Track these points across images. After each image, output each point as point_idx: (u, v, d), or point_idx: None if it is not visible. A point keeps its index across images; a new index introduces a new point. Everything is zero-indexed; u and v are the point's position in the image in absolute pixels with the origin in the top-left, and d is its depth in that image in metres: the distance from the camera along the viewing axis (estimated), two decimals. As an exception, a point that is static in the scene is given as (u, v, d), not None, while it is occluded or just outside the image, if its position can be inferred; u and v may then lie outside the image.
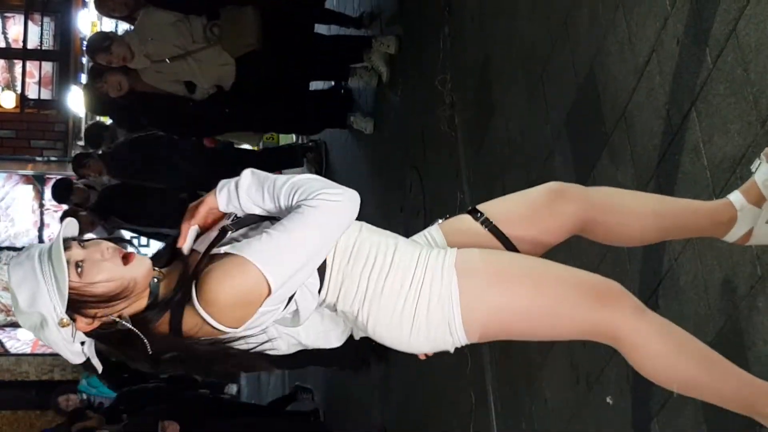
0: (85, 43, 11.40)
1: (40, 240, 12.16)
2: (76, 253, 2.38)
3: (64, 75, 12.80)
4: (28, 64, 12.95)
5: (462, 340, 2.57)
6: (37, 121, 12.63)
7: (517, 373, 4.87)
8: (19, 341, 11.93)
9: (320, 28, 7.94)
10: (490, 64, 5.42)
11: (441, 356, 5.50)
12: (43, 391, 10.78)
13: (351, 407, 7.72)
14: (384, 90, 7.42)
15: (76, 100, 12.54)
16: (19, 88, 12.78)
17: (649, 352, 2.52)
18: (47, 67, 13.16)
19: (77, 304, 2.37)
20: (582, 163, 4.22)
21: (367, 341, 7.09)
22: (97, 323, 2.42)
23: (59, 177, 8.75)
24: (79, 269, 2.36)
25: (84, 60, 12.38)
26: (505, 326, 2.56)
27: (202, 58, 7.08)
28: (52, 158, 12.44)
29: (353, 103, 7.95)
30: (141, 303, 2.43)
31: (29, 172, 12.39)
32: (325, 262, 2.54)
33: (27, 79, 12.88)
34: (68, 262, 2.33)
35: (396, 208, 6.87)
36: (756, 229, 2.84)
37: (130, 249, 2.46)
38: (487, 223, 2.69)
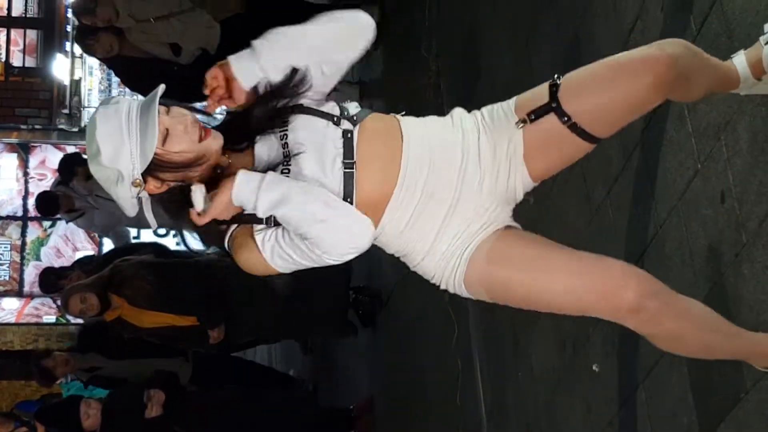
0: (69, 9, 11.34)
1: (25, 209, 12.11)
2: (163, 120, 2.47)
3: (49, 43, 12.72)
4: (13, 31, 12.87)
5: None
6: (21, 89, 12.55)
7: (503, 340, 4.88)
8: (4, 311, 11.91)
9: None
10: (476, 31, 5.40)
11: (428, 324, 5.55)
12: (27, 361, 10.77)
13: (338, 376, 7.73)
14: (369, 58, 7.38)
15: (61, 68, 12.46)
16: (3, 56, 12.70)
17: (658, 335, 2.58)
18: (32, 34, 13.07)
19: (154, 168, 2.47)
20: (567, 130, 4.20)
21: (354, 308, 7.03)
22: (164, 188, 2.53)
23: (42, 192, 8.74)
24: (165, 137, 2.46)
25: (69, 28, 12.31)
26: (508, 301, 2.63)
27: (187, 20, 7.04)
28: (37, 126, 12.37)
29: None
30: (203, 179, 2.52)
31: (14, 140, 12.33)
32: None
33: (11, 47, 12.80)
34: (157, 123, 2.43)
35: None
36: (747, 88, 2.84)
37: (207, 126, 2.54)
38: (575, 128, 2.55)
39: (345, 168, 2.50)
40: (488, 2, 5.21)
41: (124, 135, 2.44)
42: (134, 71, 7.37)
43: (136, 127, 2.44)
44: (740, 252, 2.99)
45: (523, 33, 4.72)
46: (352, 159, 2.52)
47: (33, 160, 12.23)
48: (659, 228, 3.47)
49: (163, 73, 7.29)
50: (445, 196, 2.56)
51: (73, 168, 8.09)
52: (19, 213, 12.15)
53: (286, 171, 2.50)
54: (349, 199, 2.49)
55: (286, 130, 2.55)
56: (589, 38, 4.01)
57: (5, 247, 12.02)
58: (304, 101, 2.58)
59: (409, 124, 2.63)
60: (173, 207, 2.54)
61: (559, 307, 2.58)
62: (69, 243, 12.11)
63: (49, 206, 8.40)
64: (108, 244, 9.85)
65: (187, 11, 7.04)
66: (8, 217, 12.13)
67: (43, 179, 12.03)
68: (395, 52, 6.88)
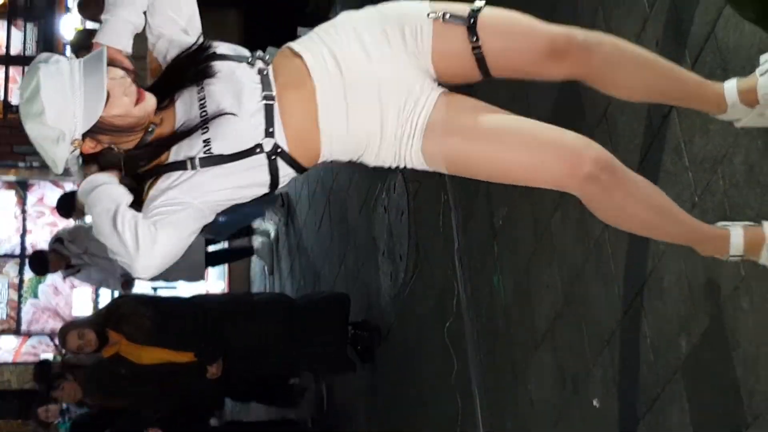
0: (68, 46, 11.37)
1: (23, 247, 12.10)
2: (107, 83, 2.50)
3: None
4: (11, 69, 12.90)
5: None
6: (19, 126, 12.57)
7: (503, 375, 4.85)
8: (1, 349, 11.88)
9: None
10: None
11: (427, 359, 5.51)
12: (25, 400, 10.72)
13: (337, 412, 7.69)
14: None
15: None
16: (2, 94, 12.73)
17: (605, 207, 2.65)
18: (30, 72, 13.12)
19: (95, 131, 2.54)
20: (564, 163, 4.20)
21: (352, 344, 7.01)
22: (99, 148, 2.60)
23: (35, 251, 8.79)
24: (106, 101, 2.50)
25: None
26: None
27: None
28: (35, 164, 12.37)
29: None
30: (135, 141, 2.61)
31: (11, 177, 12.32)
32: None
33: (10, 85, 12.83)
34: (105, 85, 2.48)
35: (380, 209, 6.84)
36: (746, 120, 2.85)
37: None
38: (478, 54, 2.66)
39: (265, 101, 2.60)
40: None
41: (68, 95, 2.47)
42: None
43: (80, 87, 2.48)
44: (739, 285, 2.98)
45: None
46: (272, 91, 2.61)
47: (31, 198, 12.23)
48: (657, 261, 3.46)
49: None
50: (365, 80, 2.63)
51: (72, 204, 8.12)
52: (17, 251, 12.13)
53: (204, 114, 2.58)
54: (270, 129, 2.58)
55: (203, 83, 2.64)
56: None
57: (2, 285, 12.00)
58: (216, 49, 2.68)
59: (300, 46, 2.71)
60: (101, 166, 2.63)
61: (517, 177, 2.66)
62: (67, 280, 12.10)
63: (42, 265, 8.43)
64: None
65: None
66: (6, 256, 12.12)
67: (41, 217, 12.03)
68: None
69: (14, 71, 12.93)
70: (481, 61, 2.66)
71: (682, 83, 2.80)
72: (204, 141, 2.57)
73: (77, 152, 2.58)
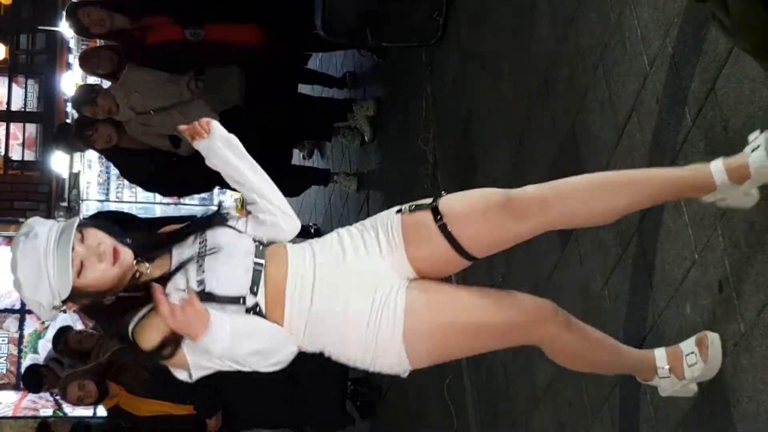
0: (69, 102, 11.42)
1: (23, 302, 12.08)
2: (78, 252, 2.72)
3: (48, 137, 12.81)
4: (12, 125, 12.97)
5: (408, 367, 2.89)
6: (20, 182, 12.61)
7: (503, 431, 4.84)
8: (1, 404, 11.81)
9: (304, 89, 7.98)
10: (472, 123, 5.45)
11: (427, 416, 5.52)
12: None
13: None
14: (367, 149, 7.45)
15: (59, 162, 12.53)
16: (2, 150, 12.78)
17: (568, 353, 3.06)
18: (31, 128, 13.16)
19: (73, 297, 2.75)
20: (565, 220, 4.22)
21: (352, 399, 7.00)
22: (85, 303, 2.82)
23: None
24: (79, 270, 2.72)
25: (68, 122, 12.40)
26: (447, 355, 2.97)
27: (186, 111, 7.10)
28: (36, 220, 12.44)
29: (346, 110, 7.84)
30: (122, 285, 2.82)
31: (12, 233, 12.35)
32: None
33: (11, 141, 12.89)
34: (71, 264, 2.69)
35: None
36: (731, 200, 2.93)
37: (119, 245, 2.79)
38: (444, 231, 2.86)
39: (255, 265, 2.84)
40: (484, 95, 5.27)
41: (42, 272, 2.70)
42: (133, 163, 7.42)
43: (53, 264, 2.70)
44: (739, 342, 2.99)
45: (518, 125, 4.77)
46: (262, 259, 2.87)
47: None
48: (658, 317, 3.47)
49: (161, 165, 7.36)
50: (334, 276, 2.85)
51: (63, 336, 8.06)
52: (17, 306, 12.11)
53: (201, 262, 2.82)
54: (255, 288, 2.80)
55: (205, 234, 2.91)
56: (585, 130, 4.05)
57: (3, 340, 11.96)
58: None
59: (290, 246, 2.98)
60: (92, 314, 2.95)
61: (491, 339, 2.95)
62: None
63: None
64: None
65: (186, 103, 7.12)
66: (6, 310, 12.09)
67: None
68: (392, 143, 6.93)
69: (15, 127, 13.01)
70: (451, 239, 2.86)
71: (658, 185, 2.94)
72: (198, 281, 2.79)
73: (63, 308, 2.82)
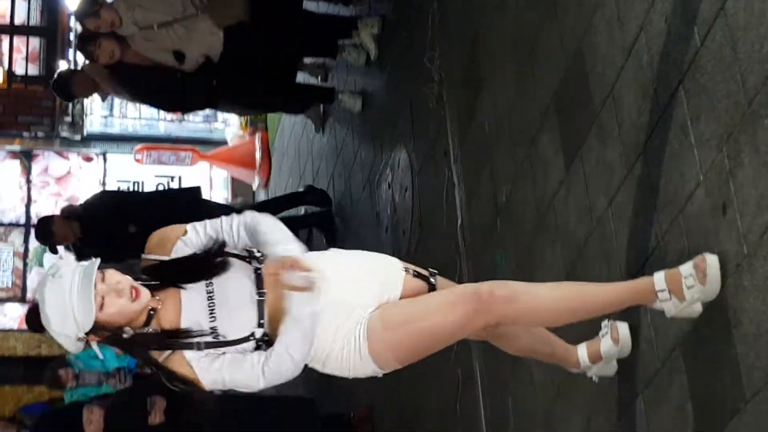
0: (72, 17, 11.34)
1: (28, 217, 12.11)
2: (100, 289, 3.05)
3: (52, 51, 12.72)
4: (15, 39, 12.88)
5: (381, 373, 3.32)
6: (24, 96, 12.54)
7: (504, 355, 4.87)
8: (6, 316, 11.89)
9: (309, 5, 7.92)
10: (479, 42, 5.41)
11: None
12: (30, 366, 10.74)
13: (338, 384, 7.71)
14: (372, 67, 7.40)
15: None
16: (5, 64, 12.71)
17: (520, 314, 3.33)
18: (35, 42, 13.08)
19: (95, 329, 3.08)
20: (570, 141, 4.22)
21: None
22: (105, 335, 3.14)
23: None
24: (101, 305, 3.04)
25: (71, 36, 12.32)
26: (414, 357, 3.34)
27: (190, 26, 7.07)
28: (39, 134, 12.37)
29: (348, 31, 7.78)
30: (140, 321, 3.15)
31: (16, 147, 12.33)
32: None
33: (14, 55, 12.81)
34: (94, 299, 3.03)
35: (384, 185, 6.87)
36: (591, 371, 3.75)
37: (137, 284, 3.11)
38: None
39: (258, 296, 3.16)
40: (492, 14, 5.22)
41: (68, 308, 3.03)
42: (136, 79, 7.38)
43: (78, 300, 3.02)
44: (741, 263, 3.00)
45: (525, 45, 4.74)
46: (263, 289, 3.17)
47: (36, 168, 12.22)
48: (661, 239, 3.48)
49: (165, 80, 7.33)
50: (332, 302, 3.19)
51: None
52: (22, 220, 12.13)
53: (212, 308, 3.15)
54: (261, 321, 3.15)
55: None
56: (593, 51, 4.03)
57: (8, 254, 12.00)
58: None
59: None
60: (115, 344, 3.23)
61: (446, 334, 3.31)
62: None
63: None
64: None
65: (190, 17, 7.08)
66: (11, 224, 12.12)
67: (46, 187, 12.04)
68: (397, 62, 6.89)
69: (18, 41, 12.92)
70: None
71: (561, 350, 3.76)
72: (211, 329, 3.14)
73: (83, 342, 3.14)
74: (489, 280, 4.88)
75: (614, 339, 3.64)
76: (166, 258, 3.21)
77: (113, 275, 3.10)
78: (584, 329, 3.72)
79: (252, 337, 3.15)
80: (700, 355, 3.25)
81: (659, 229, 3.50)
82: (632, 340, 3.65)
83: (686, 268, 3.18)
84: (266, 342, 3.16)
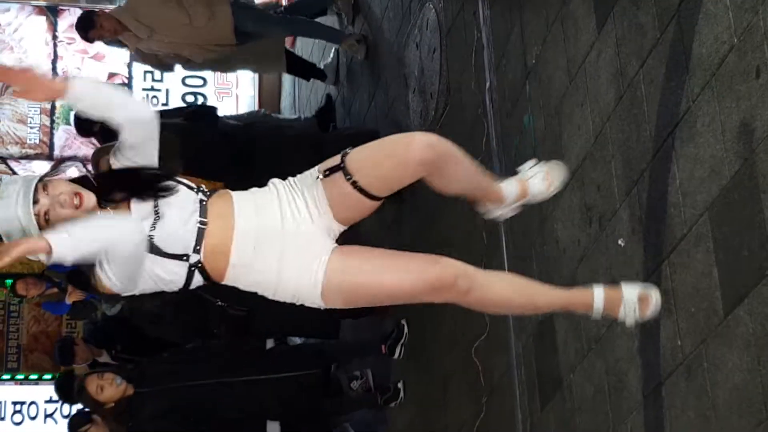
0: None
1: (54, 73, 12.08)
2: (42, 203, 3.16)
3: None
4: None
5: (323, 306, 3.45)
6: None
7: (530, 213, 4.88)
8: (35, 173, 11.98)
9: None
10: None
11: (454, 198, 5.53)
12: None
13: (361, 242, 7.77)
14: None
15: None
16: None
17: (470, 303, 3.47)
18: None
19: None
20: (602, 1, 4.14)
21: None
22: None
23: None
24: (46, 217, 3.16)
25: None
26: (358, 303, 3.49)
27: None
28: (65, -10, 12.29)
29: None
30: None
31: (42, 3, 12.23)
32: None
33: None
34: (37, 215, 3.15)
35: (412, 45, 6.80)
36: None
37: (80, 189, 3.22)
38: (355, 185, 3.36)
39: (199, 224, 3.31)
40: None
41: (17, 227, 3.15)
42: None
43: (23, 218, 3.14)
44: (773, 128, 2.97)
45: None
46: (206, 218, 3.32)
47: (62, 24, 12.14)
48: (692, 103, 3.44)
49: None
50: (273, 237, 3.34)
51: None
52: (49, 76, 12.12)
53: (157, 218, 3.27)
54: (198, 247, 3.29)
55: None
56: None
57: (35, 111, 12.02)
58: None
59: (237, 195, 3.42)
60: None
61: (398, 298, 3.44)
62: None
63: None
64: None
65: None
66: (37, 81, 12.10)
67: (72, 43, 11.98)
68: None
69: None
70: (363, 191, 3.37)
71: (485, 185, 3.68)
72: (150, 236, 3.25)
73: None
74: (517, 138, 4.93)
75: (548, 183, 3.72)
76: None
77: (57, 186, 3.21)
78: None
79: (185, 258, 3.29)
80: (728, 221, 3.24)
81: (690, 93, 3.46)
82: (660, 205, 3.63)
83: (629, 294, 3.51)
84: (200, 271, 3.33)
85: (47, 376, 10.57)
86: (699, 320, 3.37)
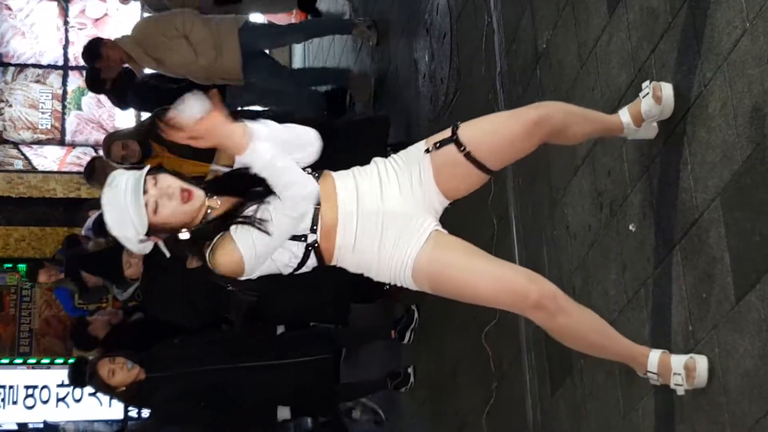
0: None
1: (66, 59, 12.10)
2: (152, 194, 3.27)
3: None
4: None
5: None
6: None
7: (540, 198, 4.87)
8: (47, 158, 12.00)
9: None
10: None
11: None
12: (70, 208, 10.87)
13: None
14: None
15: None
16: None
17: (554, 329, 3.39)
18: None
19: (152, 231, 3.31)
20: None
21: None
22: (164, 236, 3.37)
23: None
24: (155, 209, 3.27)
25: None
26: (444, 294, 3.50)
27: None
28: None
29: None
30: (197, 222, 3.36)
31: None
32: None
33: None
34: (146, 205, 3.26)
35: (422, 30, 6.78)
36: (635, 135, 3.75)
37: (189, 186, 3.32)
38: (469, 157, 3.43)
39: (315, 205, 3.38)
40: None
41: (123, 213, 3.27)
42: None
43: (131, 204, 3.25)
44: (786, 112, 2.95)
45: None
46: (319, 199, 3.39)
47: (73, 9, 12.17)
48: (704, 87, 3.43)
49: None
50: (374, 218, 3.40)
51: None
52: (60, 62, 12.12)
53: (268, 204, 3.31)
54: (315, 227, 3.38)
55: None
56: None
57: (47, 96, 12.04)
58: None
59: (338, 175, 3.49)
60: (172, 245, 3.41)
61: (481, 301, 3.44)
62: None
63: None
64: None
65: None
66: (49, 66, 12.12)
67: (84, 29, 11.99)
68: None
69: None
70: (476, 162, 3.43)
71: (606, 124, 3.74)
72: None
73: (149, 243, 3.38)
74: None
75: (656, 98, 3.61)
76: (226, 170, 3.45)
77: (165, 179, 3.32)
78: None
79: (304, 239, 3.38)
80: (740, 206, 3.23)
81: (702, 78, 3.44)
82: (672, 190, 3.62)
83: (677, 363, 3.39)
84: (315, 251, 3.41)
85: (59, 361, 10.63)
86: (710, 306, 3.36)
